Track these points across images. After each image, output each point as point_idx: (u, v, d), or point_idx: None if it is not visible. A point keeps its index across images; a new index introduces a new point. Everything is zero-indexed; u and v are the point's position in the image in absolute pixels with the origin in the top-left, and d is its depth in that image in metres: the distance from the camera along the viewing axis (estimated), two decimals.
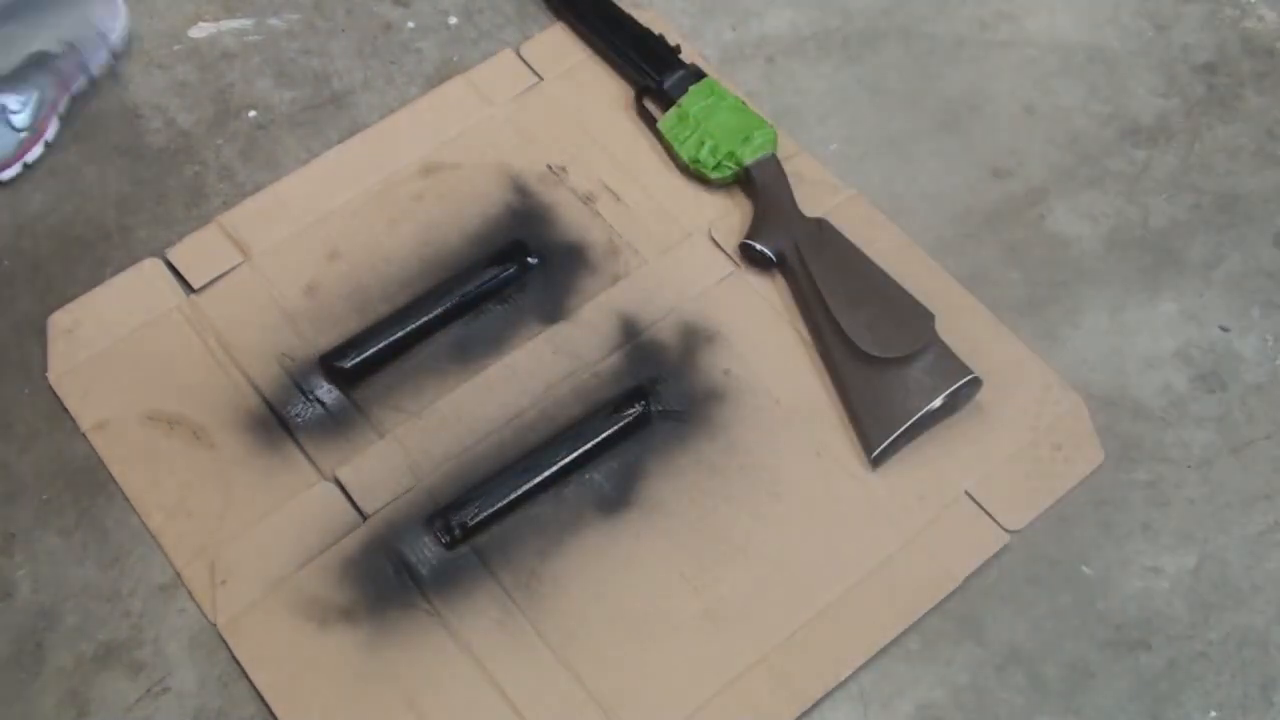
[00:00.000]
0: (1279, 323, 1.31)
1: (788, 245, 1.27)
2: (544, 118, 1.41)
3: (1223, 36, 1.51)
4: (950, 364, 1.19)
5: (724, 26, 1.50)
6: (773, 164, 1.33)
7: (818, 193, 1.35)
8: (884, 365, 1.19)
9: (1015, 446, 1.21)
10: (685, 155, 1.34)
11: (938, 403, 1.17)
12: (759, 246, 1.28)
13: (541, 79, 1.44)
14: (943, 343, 1.20)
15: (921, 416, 1.17)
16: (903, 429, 1.17)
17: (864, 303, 1.23)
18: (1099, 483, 1.21)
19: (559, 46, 1.46)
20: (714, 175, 1.34)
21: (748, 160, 1.32)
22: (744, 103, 1.37)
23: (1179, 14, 1.52)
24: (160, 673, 1.12)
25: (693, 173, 1.35)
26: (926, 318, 1.21)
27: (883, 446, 1.17)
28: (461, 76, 1.44)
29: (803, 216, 1.30)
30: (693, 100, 1.36)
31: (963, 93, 1.46)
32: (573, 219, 1.34)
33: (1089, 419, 1.22)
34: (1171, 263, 1.35)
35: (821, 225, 1.29)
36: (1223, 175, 1.41)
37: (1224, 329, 1.31)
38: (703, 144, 1.34)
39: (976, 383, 1.19)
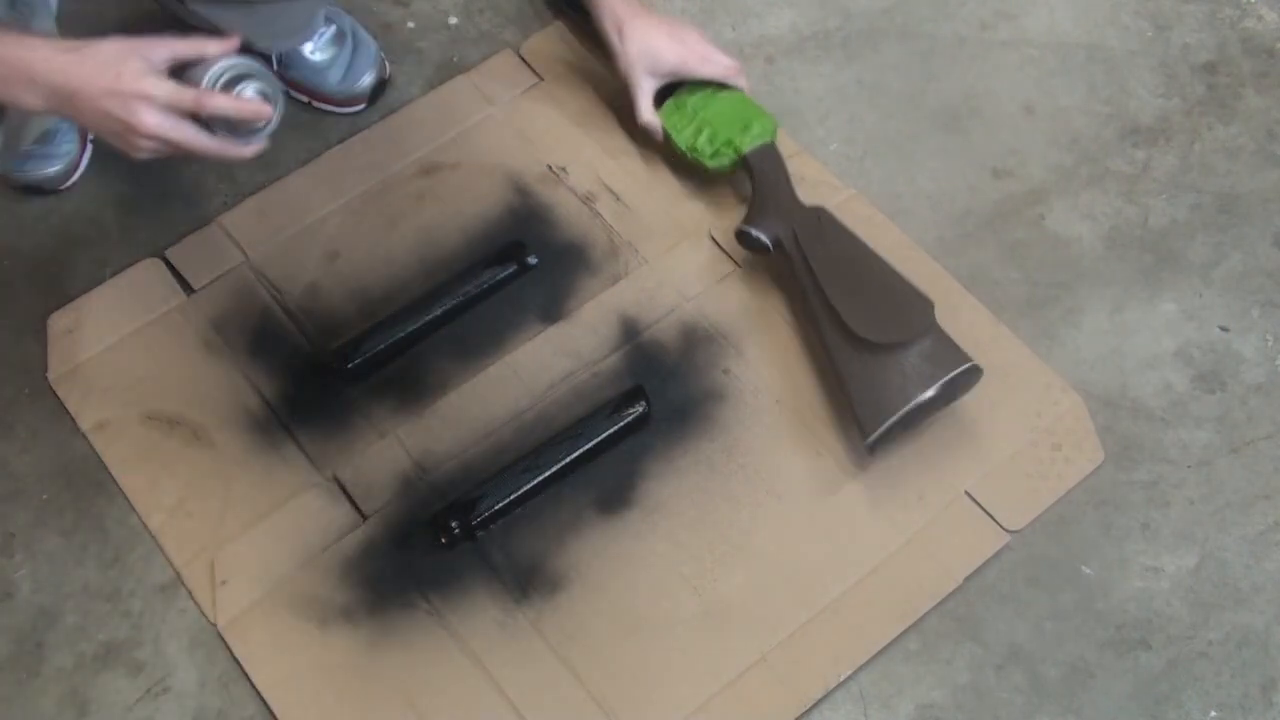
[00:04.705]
0: (1279, 323, 1.31)
1: (785, 233, 1.26)
2: (544, 118, 1.41)
3: (1223, 36, 1.51)
4: (949, 351, 1.17)
5: (724, 26, 1.50)
6: (772, 152, 1.31)
7: (818, 192, 1.35)
8: (882, 352, 1.17)
9: (1015, 446, 1.21)
10: (683, 144, 1.32)
11: (934, 390, 1.15)
12: (755, 233, 1.26)
13: (541, 79, 1.44)
14: (941, 330, 1.19)
15: (919, 403, 1.15)
16: (899, 415, 1.15)
17: (862, 290, 1.21)
18: (1099, 483, 1.21)
19: (559, 46, 1.46)
20: (711, 164, 1.32)
21: (746, 148, 1.30)
22: (744, 93, 1.35)
23: (1179, 14, 1.52)
24: (160, 673, 1.12)
25: (690, 162, 1.33)
26: (926, 305, 1.20)
27: (879, 432, 1.15)
28: (461, 76, 1.44)
29: (801, 205, 1.28)
30: (690, 91, 1.34)
31: (963, 93, 1.46)
32: (573, 219, 1.34)
33: (1089, 419, 1.22)
34: (1171, 263, 1.35)
35: (820, 214, 1.27)
36: (1223, 175, 1.41)
37: (1224, 329, 1.31)
38: (700, 132, 1.32)
39: (976, 370, 1.18)
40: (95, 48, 0.99)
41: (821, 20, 1.51)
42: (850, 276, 1.22)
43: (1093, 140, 1.43)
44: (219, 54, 1.04)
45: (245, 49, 1.39)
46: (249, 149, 1.07)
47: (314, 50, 1.39)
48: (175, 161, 1.39)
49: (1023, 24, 1.51)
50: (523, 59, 1.46)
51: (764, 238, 1.26)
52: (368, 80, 1.41)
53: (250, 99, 1.05)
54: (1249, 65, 1.49)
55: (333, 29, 1.40)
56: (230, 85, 1.04)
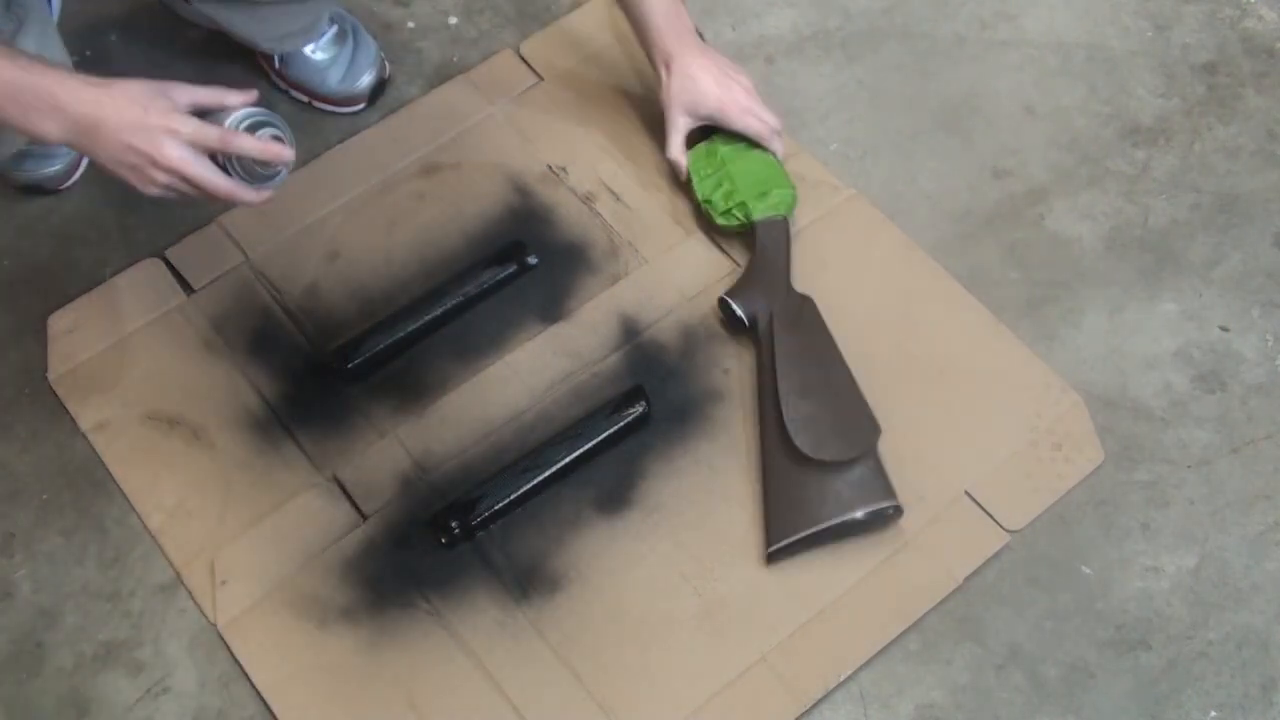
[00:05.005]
0: (1279, 323, 1.31)
1: (764, 312, 1.23)
2: (544, 118, 1.41)
3: (1223, 36, 1.51)
4: (876, 485, 1.14)
5: (724, 26, 1.50)
6: (780, 226, 1.28)
7: (818, 193, 1.35)
8: (809, 465, 1.14)
9: (1015, 446, 1.21)
10: (700, 194, 1.30)
11: (852, 518, 1.12)
12: (733, 305, 1.23)
13: (541, 79, 1.44)
14: (878, 461, 1.15)
15: (830, 527, 1.12)
16: (803, 535, 1.12)
17: (813, 396, 1.17)
18: (1099, 483, 1.21)
19: (559, 46, 1.46)
20: (720, 220, 1.29)
21: (756, 216, 1.28)
22: (775, 158, 1.32)
23: (1179, 14, 1.52)
24: (160, 673, 1.12)
25: (703, 213, 1.31)
26: (871, 430, 1.16)
27: (777, 547, 1.12)
28: (461, 76, 1.44)
29: (790, 289, 1.25)
30: (726, 139, 1.32)
31: (963, 93, 1.46)
32: (573, 219, 1.34)
33: (1089, 419, 1.22)
34: (1171, 263, 1.35)
35: (805, 304, 1.24)
36: (1223, 175, 1.41)
37: (1224, 329, 1.31)
38: (719, 186, 1.29)
39: (898, 510, 1.14)
40: (122, 84, 1.01)
41: (821, 20, 1.51)
42: (808, 378, 1.19)
43: (1093, 140, 1.43)
44: (239, 104, 1.05)
45: (249, 48, 1.40)
46: (260, 195, 1.07)
47: (315, 50, 1.39)
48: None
49: (1023, 24, 1.51)
50: (523, 59, 1.46)
51: (741, 312, 1.23)
52: (367, 80, 1.41)
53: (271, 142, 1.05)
54: (1249, 65, 1.49)
55: (334, 29, 1.40)
56: (250, 131, 1.05)
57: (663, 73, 1.29)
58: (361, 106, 1.42)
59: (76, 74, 1.01)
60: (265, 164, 1.05)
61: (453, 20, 1.51)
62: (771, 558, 1.14)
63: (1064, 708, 1.11)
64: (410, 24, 1.51)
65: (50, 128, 0.99)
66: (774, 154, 1.32)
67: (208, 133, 1.02)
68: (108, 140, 1.00)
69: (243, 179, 1.06)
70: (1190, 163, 1.41)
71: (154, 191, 1.04)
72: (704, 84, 1.28)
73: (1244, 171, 1.41)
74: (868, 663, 1.12)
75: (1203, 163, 1.41)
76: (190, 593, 1.15)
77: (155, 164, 1.01)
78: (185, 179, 1.02)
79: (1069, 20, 1.51)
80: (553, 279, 1.31)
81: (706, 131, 1.33)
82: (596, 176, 1.37)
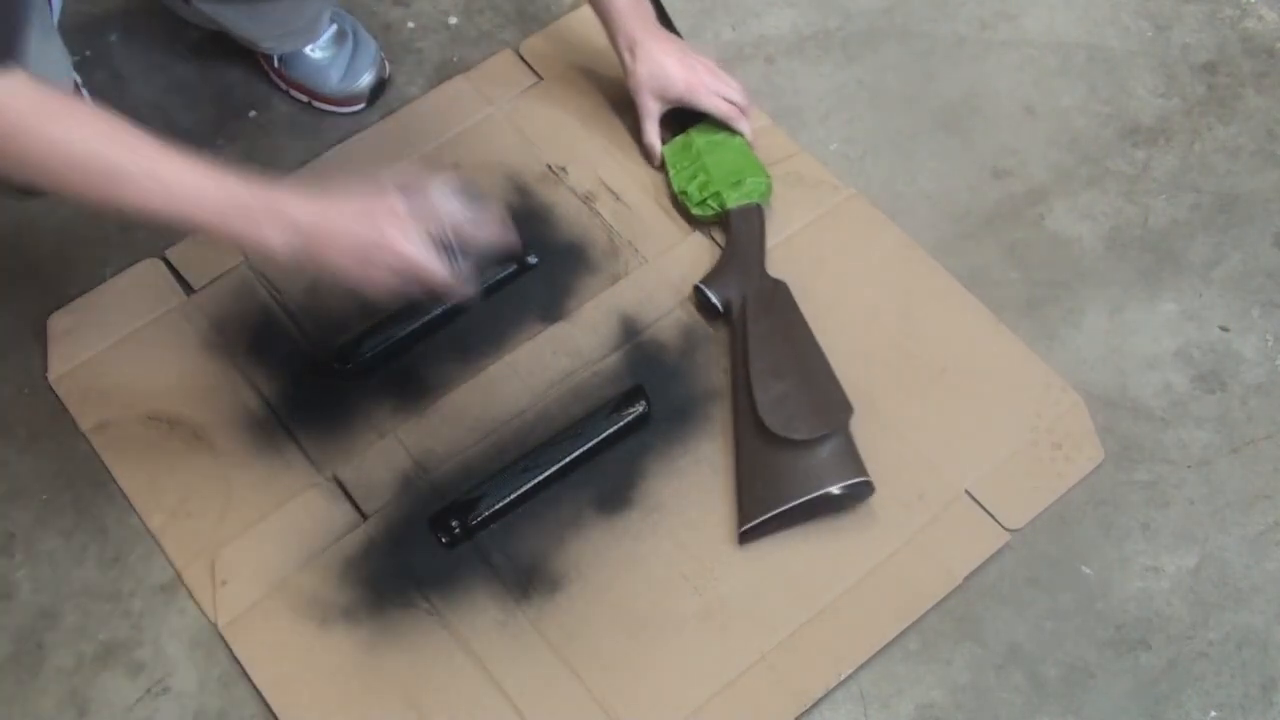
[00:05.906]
0: (1279, 323, 1.31)
1: (737, 298, 1.24)
2: (544, 118, 1.41)
3: (1223, 36, 1.51)
4: (846, 462, 1.14)
5: (724, 26, 1.50)
6: (754, 214, 1.29)
7: (818, 193, 1.35)
8: (781, 445, 1.14)
9: (1015, 446, 1.21)
10: (676, 185, 1.32)
11: (823, 493, 1.12)
12: (708, 292, 1.24)
13: (541, 79, 1.44)
14: (849, 439, 1.16)
15: (801, 505, 1.13)
16: (775, 513, 1.12)
17: (785, 377, 1.18)
18: (1099, 483, 1.21)
19: (559, 46, 1.46)
20: (696, 210, 1.31)
21: (730, 204, 1.29)
22: (750, 146, 1.34)
23: (1179, 14, 1.52)
24: (160, 673, 1.12)
25: (680, 204, 1.33)
26: (842, 409, 1.16)
27: (749, 526, 1.13)
28: (461, 76, 1.44)
29: (764, 274, 1.26)
30: (702, 131, 1.34)
31: (963, 93, 1.46)
32: (573, 219, 1.34)
33: (1089, 419, 1.22)
34: (1171, 263, 1.35)
35: (778, 288, 1.25)
36: (1223, 175, 1.41)
37: (1224, 329, 1.31)
38: (695, 177, 1.31)
39: (868, 486, 1.14)
40: (342, 190, 1.00)
41: (821, 20, 1.51)
42: (780, 359, 1.19)
43: (1093, 140, 1.43)
44: (439, 184, 1.02)
45: (249, 48, 1.40)
46: (471, 286, 1.04)
47: (314, 49, 1.40)
48: None
49: (1023, 24, 1.51)
50: (523, 59, 1.46)
51: (715, 299, 1.24)
52: (367, 80, 1.41)
53: (505, 229, 1.02)
54: (1249, 65, 1.49)
55: (334, 28, 1.40)
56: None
57: (628, 59, 1.30)
58: (361, 106, 1.42)
59: (296, 188, 1.00)
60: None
61: (453, 20, 1.51)
62: (744, 537, 1.14)
63: (1064, 708, 1.11)
64: (410, 24, 1.51)
65: (276, 238, 0.98)
66: (742, 134, 1.34)
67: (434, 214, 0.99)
68: (334, 238, 0.98)
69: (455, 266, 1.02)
70: (1190, 163, 1.41)
71: (382, 287, 1.00)
72: (670, 67, 1.30)
73: (1244, 171, 1.41)
74: (868, 663, 1.12)
75: (1203, 163, 1.41)
76: (190, 593, 1.15)
77: (383, 249, 0.98)
78: (411, 266, 0.99)
79: (1069, 20, 1.51)
80: (553, 279, 1.31)
81: (681, 120, 1.35)
82: (596, 176, 1.37)
